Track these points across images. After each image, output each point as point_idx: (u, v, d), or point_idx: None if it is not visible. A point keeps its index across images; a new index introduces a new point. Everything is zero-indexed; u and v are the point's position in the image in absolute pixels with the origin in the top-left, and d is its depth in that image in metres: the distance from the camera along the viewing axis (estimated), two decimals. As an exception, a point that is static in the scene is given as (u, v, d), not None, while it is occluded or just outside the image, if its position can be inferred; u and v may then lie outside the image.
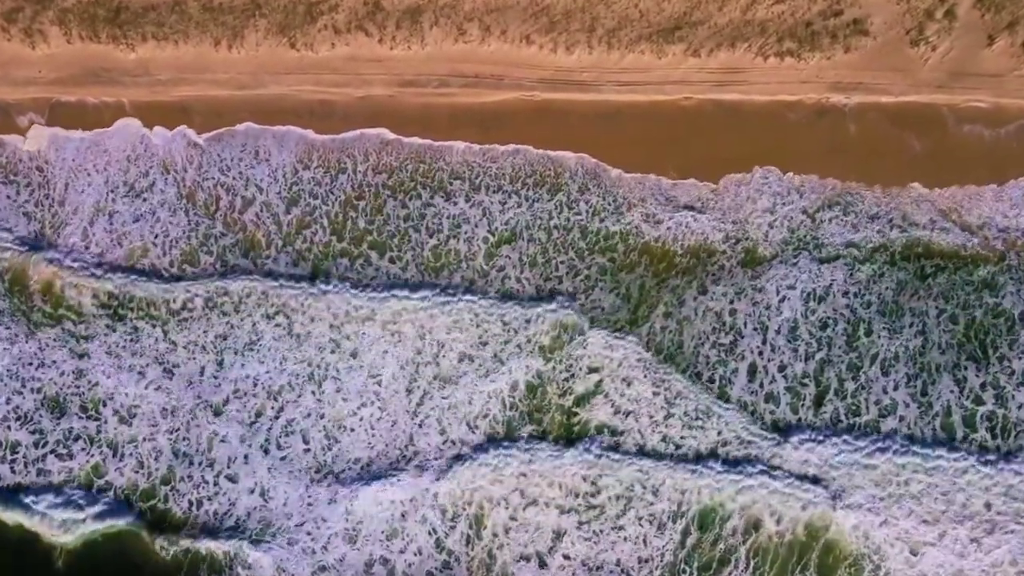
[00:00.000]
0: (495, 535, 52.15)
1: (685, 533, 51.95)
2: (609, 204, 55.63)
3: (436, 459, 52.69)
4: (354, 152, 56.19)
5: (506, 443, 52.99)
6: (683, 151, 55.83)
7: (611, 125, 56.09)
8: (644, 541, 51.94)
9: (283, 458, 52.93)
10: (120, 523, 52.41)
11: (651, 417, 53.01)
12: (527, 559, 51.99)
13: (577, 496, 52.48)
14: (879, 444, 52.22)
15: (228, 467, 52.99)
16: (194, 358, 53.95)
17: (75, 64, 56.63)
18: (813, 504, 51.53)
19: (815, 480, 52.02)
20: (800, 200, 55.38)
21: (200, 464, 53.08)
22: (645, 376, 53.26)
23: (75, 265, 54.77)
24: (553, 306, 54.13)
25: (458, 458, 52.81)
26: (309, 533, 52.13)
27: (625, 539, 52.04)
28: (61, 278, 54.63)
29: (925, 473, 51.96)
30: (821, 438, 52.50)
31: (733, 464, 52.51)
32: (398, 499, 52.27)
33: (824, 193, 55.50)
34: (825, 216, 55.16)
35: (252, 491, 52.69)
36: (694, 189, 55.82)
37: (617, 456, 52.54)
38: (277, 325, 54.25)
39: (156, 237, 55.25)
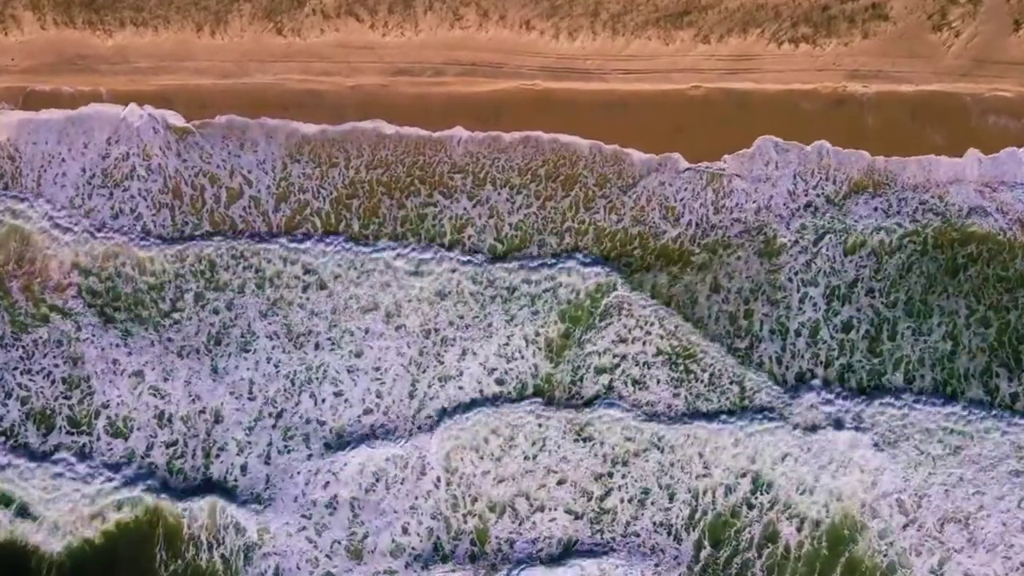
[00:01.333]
0: (499, 549, 50.68)
1: (699, 547, 50.47)
2: (628, 198, 53.51)
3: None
4: (346, 146, 53.93)
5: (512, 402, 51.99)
6: (692, 143, 53.90)
7: (616, 115, 54.03)
8: (661, 551, 50.47)
9: (283, 467, 51.39)
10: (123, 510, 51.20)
11: (670, 419, 51.48)
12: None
13: (589, 499, 50.89)
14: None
15: (226, 480, 51.33)
16: (187, 362, 52.07)
17: (50, 51, 54.40)
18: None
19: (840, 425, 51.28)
20: (826, 181, 53.54)
21: (197, 480, 51.44)
22: (662, 376, 51.69)
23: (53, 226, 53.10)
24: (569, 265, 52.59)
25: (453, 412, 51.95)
26: (311, 540, 50.79)
27: (640, 546, 50.51)
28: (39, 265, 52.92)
29: (956, 460, 50.68)
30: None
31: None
32: (401, 507, 50.98)
33: (850, 173, 53.56)
34: (853, 201, 53.36)
35: (248, 501, 51.11)
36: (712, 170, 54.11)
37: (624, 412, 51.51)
38: (272, 323, 52.34)
39: (135, 238, 53.18)
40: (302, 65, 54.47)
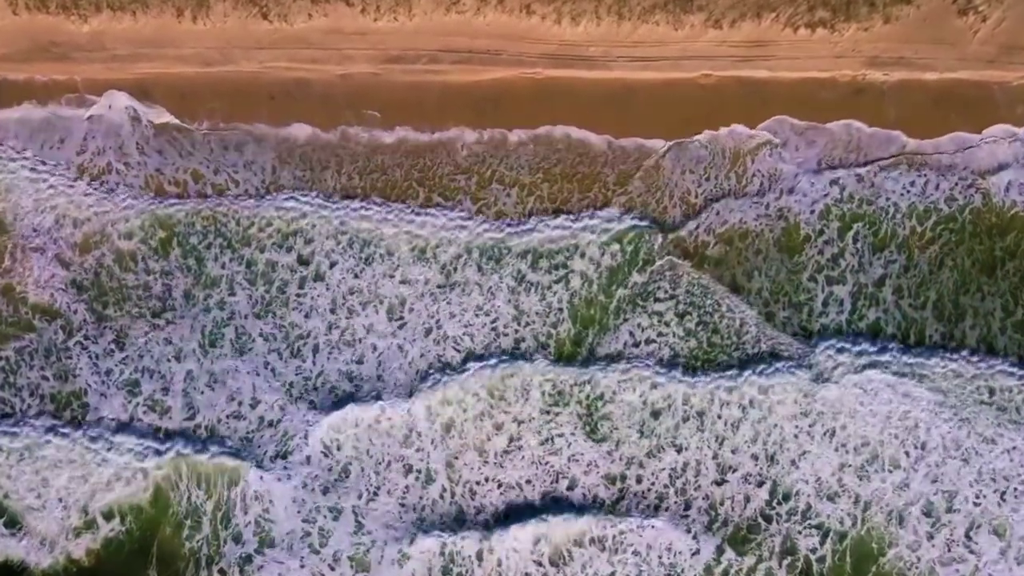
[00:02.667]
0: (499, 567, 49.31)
1: (720, 551, 48.99)
2: (652, 198, 51.77)
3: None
4: (339, 151, 52.20)
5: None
6: (702, 135, 52.68)
7: (622, 106, 52.09)
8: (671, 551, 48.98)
9: (284, 471, 49.77)
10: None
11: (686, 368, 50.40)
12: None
13: (600, 507, 49.43)
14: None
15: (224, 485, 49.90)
16: (185, 366, 50.42)
17: (22, 38, 52.09)
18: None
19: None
20: (857, 165, 51.97)
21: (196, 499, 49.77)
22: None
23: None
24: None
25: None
26: (315, 551, 49.23)
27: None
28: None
29: (989, 449, 49.20)
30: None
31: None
32: (409, 519, 49.46)
33: (872, 151, 51.87)
34: (883, 176, 51.70)
35: (248, 509, 49.53)
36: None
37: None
38: (266, 324, 50.74)
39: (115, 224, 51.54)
40: (289, 52, 52.38)
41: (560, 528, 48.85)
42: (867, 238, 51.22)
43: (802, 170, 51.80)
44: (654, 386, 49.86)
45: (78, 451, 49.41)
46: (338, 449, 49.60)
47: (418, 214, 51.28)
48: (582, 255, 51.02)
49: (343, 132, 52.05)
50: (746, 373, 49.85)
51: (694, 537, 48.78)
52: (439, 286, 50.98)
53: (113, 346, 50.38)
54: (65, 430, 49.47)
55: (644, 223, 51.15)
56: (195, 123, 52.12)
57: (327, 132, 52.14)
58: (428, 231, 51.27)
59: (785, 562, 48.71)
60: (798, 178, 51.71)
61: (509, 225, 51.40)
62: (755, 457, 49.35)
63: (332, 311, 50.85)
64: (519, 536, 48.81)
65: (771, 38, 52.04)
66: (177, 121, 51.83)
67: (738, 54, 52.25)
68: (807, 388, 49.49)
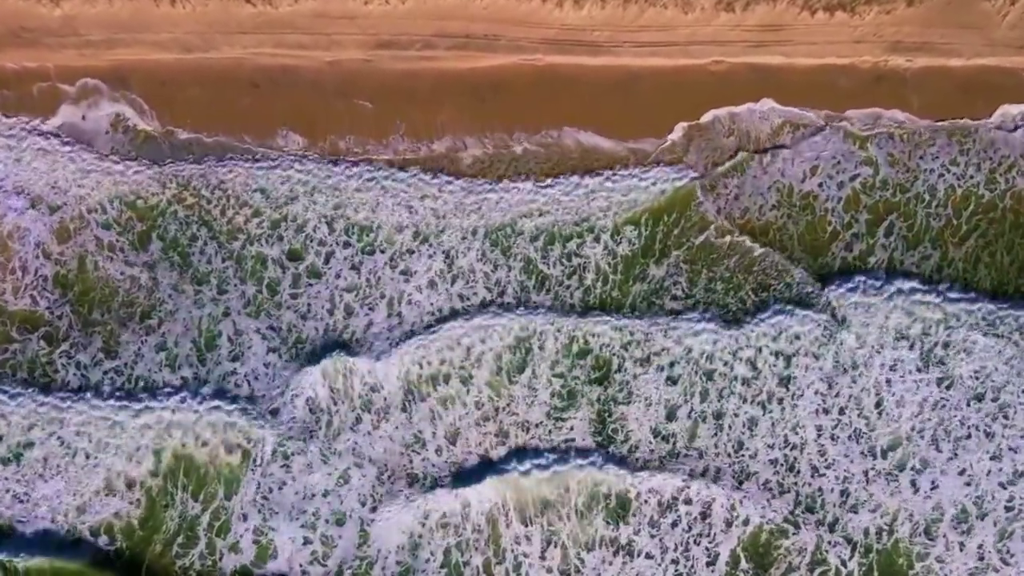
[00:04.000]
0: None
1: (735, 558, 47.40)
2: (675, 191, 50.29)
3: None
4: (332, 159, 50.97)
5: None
6: (713, 125, 51.16)
7: (627, 95, 50.60)
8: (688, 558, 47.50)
9: (287, 472, 48.15)
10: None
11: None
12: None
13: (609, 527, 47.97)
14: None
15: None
16: (181, 374, 48.60)
17: None
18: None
19: None
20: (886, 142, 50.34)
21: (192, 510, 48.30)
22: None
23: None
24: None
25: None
26: (321, 564, 47.60)
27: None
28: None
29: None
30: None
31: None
32: (409, 517, 47.83)
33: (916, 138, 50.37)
34: (918, 153, 50.02)
35: (248, 515, 47.87)
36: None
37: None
38: (260, 324, 49.00)
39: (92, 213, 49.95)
40: (274, 38, 50.84)
41: (578, 477, 47.54)
42: (901, 231, 49.64)
43: (830, 148, 50.28)
44: (672, 381, 48.24)
45: (68, 455, 47.95)
46: (339, 457, 48.08)
47: (422, 198, 49.84)
48: (596, 239, 49.37)
49: (333, 144, 50.63)
50: (760, 321, 48.59)
51: (712, 540, 47.50)
52: (440, 273, 49.41)
53: (102, 355, 48.56)
54: (52, 427, 47.72)
55: (676, 173, 49.77)
56: (176, 123, 50.53)
57: (317, 144, 50.66)
58: (431, 214, 49.93)
59: (816, 572, 47.31)
60: (823, 153, 50.28)
61: (531, 183, 50.01)
62: (774, 462, 47.87)
63: (331, 311, 49.31)
64: (529, 534, 47.49)
65: (787, 22, 50.45)
66: (161, 127, 50.29)
67: (751, 39, 50.72)
68: (830, 373, 48.03)
